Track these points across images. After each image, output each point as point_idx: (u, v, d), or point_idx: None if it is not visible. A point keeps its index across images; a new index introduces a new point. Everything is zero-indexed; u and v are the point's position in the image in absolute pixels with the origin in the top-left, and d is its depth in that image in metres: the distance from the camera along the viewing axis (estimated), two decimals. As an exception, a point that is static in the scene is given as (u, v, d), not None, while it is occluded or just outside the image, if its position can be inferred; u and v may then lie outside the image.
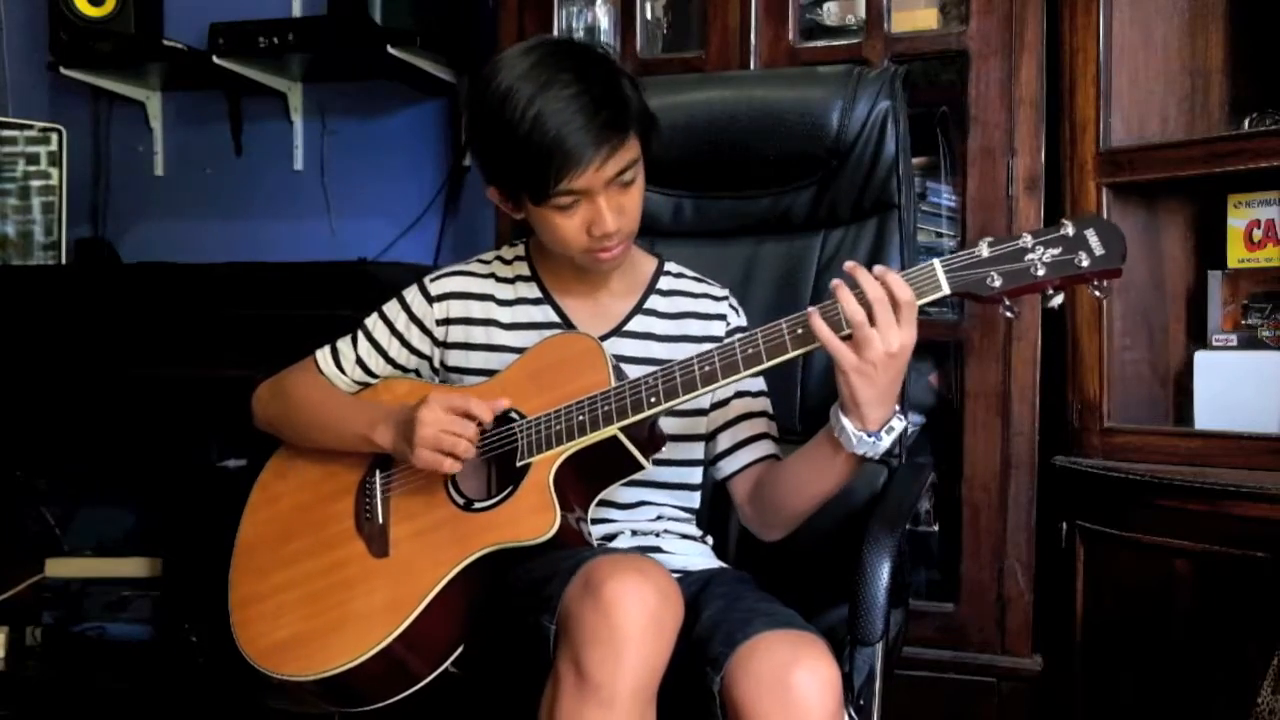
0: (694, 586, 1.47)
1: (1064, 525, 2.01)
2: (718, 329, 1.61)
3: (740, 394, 1.58)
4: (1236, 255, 2.00)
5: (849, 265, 1.33)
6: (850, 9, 2.29)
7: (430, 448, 1.41)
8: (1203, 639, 1.78)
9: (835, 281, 1.33)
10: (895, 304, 1.30)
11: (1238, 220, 2.00)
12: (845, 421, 1.36)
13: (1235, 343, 1.98)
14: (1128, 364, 2.06)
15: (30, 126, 3.02)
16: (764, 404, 1.60)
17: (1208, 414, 1.96)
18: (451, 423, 1.41)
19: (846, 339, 1.32)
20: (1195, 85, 2.11)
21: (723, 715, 1.27)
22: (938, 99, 2.27)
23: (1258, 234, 1.98)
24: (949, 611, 2.16)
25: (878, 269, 1.32)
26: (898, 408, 1.38)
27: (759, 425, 1.58)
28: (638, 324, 1.59)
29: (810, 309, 1.34)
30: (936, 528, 2.27)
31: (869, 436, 1.36)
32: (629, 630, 1.19)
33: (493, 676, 1.41)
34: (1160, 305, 2.10)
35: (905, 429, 1.40)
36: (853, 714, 1.35)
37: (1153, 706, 1.87)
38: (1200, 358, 1.98)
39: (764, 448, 1.57)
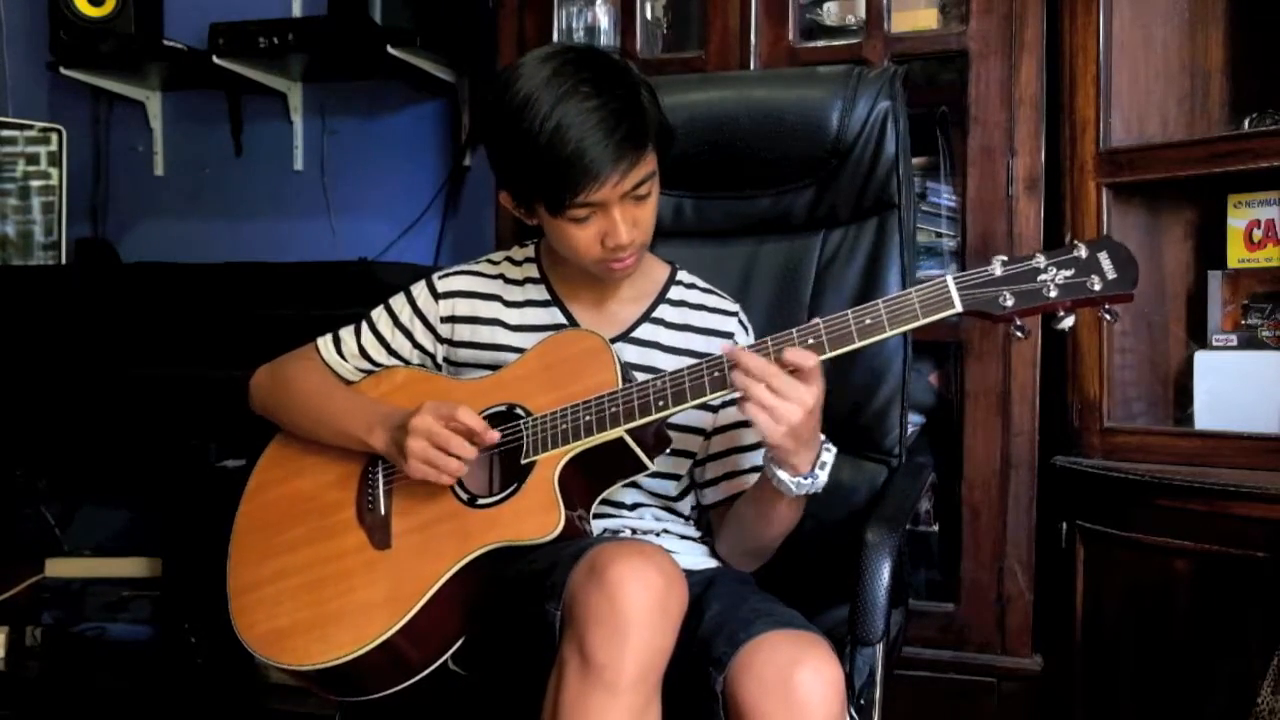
0: (696, 588, 1.46)
1: (1064, 525, 2.01)
2: (719, 347, 1.58)
3: (737, 424, 1.56)
4: (1236, 255, 2.00)
5: (725, 348, 1.35)
6: (850, 9, 2.29)
7: (420, 460, 1.41)
8: (1203, 639, 1.78)
9: (732, 363, 1.33)
10: (799, 372, 1.31)
11: (1238, 220, 2.00)
12: (780, 474, 1.38)
13: (1235, 343, 1.98)
14: (1128, 364, 2.06)
15: (30, 126, 3.02)
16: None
17: (1208, 414, 1.96)
18: (440, 436, 1.40)
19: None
20: (1195, 85, 2.11)
21: (725, 715, 1.27)
22: (938, 99, 2.27)
23: (1258, 234, 1.98)
24: (949, 611, 2.16)
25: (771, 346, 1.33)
26: (822, 438, 1.40)
27: (746, 460, 1.56)
28: (644, 332, 1.58)
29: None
30: (936, 528, 2.27)
31: (805, 479, 1.38)
32: (633, 612, 1.19)
33: (496, 671, 1.41)
34: (1160, 305, 2.10)
35: (833, 455, 1.41)
36: (854, 714, 1.35)
37: (1153, 706, 1.87)
38: (1200, 358, 1.98)
39: (748, 482, 1.55)
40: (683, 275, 1.65)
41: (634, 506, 1.56)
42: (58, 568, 2.76)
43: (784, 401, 1.30)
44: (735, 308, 1.64)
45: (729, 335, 1.60)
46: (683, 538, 1.59)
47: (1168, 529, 1.81)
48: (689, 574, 1.50)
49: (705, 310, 1.62)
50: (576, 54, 1.44)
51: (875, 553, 1.36)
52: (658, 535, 1.55)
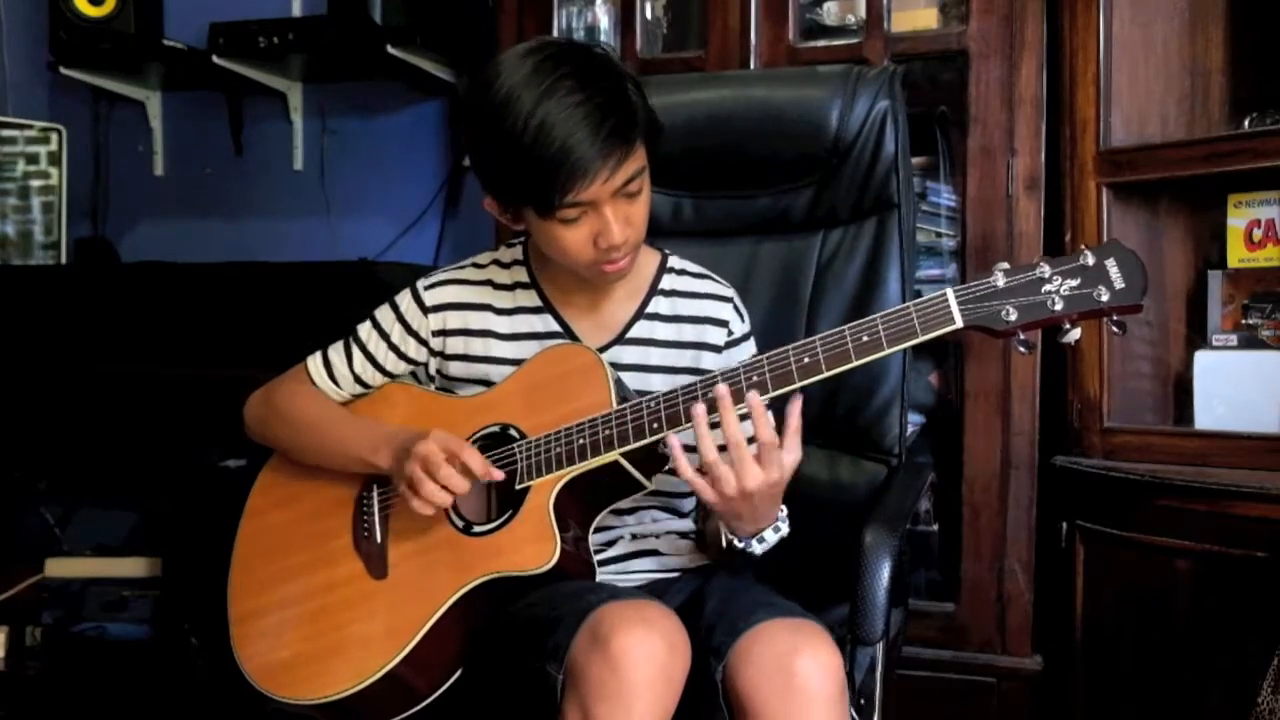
0: (695, 580, 1.47)
1: (1064, 525, 2.01)
2: (715, 336, 1.56)
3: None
4: (1236, 255, 2.00)
5: (720, 391, 1.31)
6: (850, 9, 2.29)
7: (413, 489, 1.38)
8: (1203, 639, 1.78)
9: (697, 408, 1.32)
10: (759, 442, 1.30)
11: (1238, 220, 1.99)
12: (719, 522, 1.40)
13: (1235, 343, 1.98)
14: (1128, 364, 2.06)
15: (30, 126, 3.03)
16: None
17: (1208, 414, 1.96)
18: (441, 471, 1.37)
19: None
20: (1195, 85, 2.11)
21: (726, 704, 1.27)
22: (938, 99, 2.27)
23: (1258, 234, 1.98)
24: (949, 611, 2.16)
25: (754, 400, 1.30)
26: (783, 512, 1.40)
27: None
28: (639, 330, 1.56)
29: (671, 435, 1.33)
30: (936, 528, 2.27)
31: (739, 541, 1.40)
32: (638, 684, 1.19)
33: (494, 711, 1.40)
34: (1160, 305, 2.10)
35: (783, 536, 1.41)
36: (854, 714, 1.35)
37: (1153, 706, 1.87)
38: (1200, 358, 1.98)
39: None
40: (673, 261, 1.61)
41: (633, 510, 1.55)
42: (58, 568, 2.75)
43: (729, 470, 1.31)
44: (729, 293, 1.61)
45: (723, 324, 1.57)
46: (682, 536, 1.58)
47: (1168, 529, 1.81)
48: (688, 571, 1.51)
49: (698, 297, 1.58)
50: (556, 48, 1.40)
51: (875, 553, 1.36)
52: (657, 538, 1.55)
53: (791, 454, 1.32)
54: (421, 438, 1.39)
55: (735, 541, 1.40)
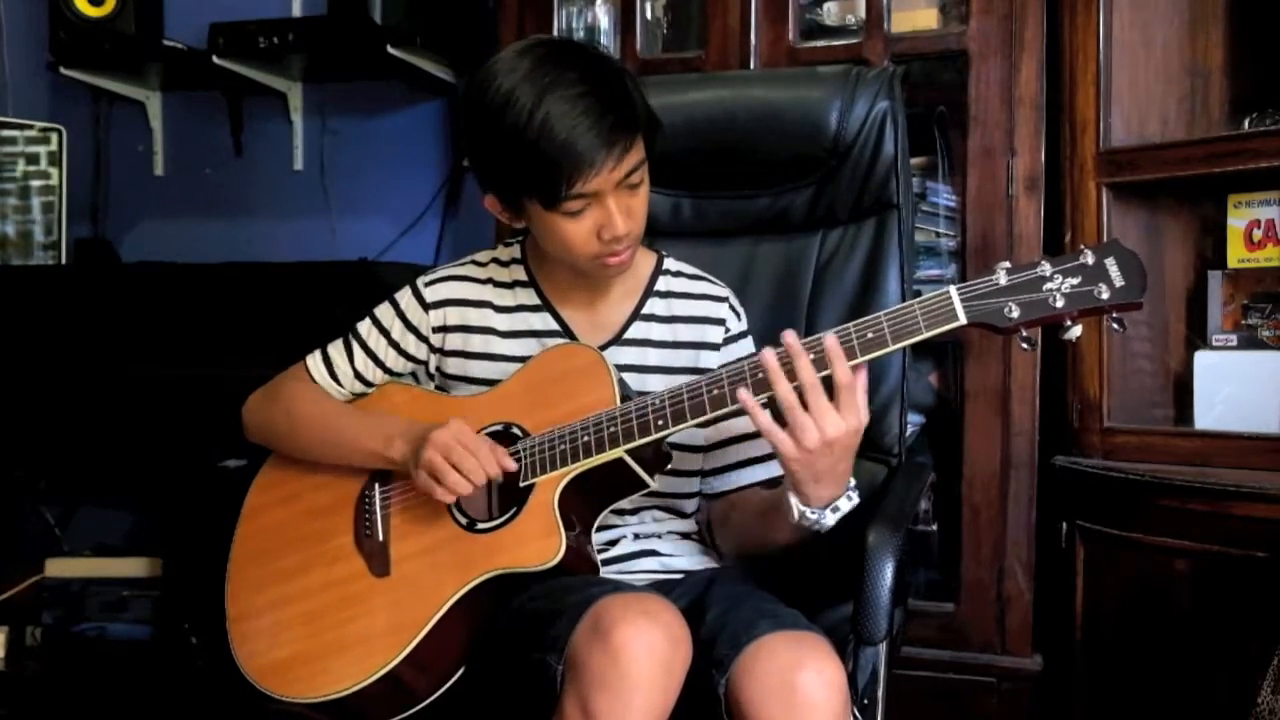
0: (697, 587, 1.46)
1: (1064, 525, 2.01)
2: (714, 334, 1.57)
3: (738, 438, 1.54)
4: (1236, 255, 2.00)
5: (787, 336, 1.30)
6: (850, 9, 2.29)
7: (430, 473, 1.39)
8: (1203, 639, 1.78)
9: (766, 352, 1.30)
10: (836, 384, 1.28)
11: (1238, 220, 2.00)
12: (789, 495, 1.35)
13: (1235, 343, 1.98)
14: (1128, 364, 2.06)
15: (30, 126, 3.02)
16: None
17: (1208, 414, 1.96)
18: (457, 452, 1.38)
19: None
20: (1195, 85, 2.12)
21: (728, 717, 1.27)
22: (938, 99, 2.27)
23: (1258, 234, 1.98)
24: (949, 611, 2.16)
25: (826, 341, 1.29)
26: (852, 482, 1.37)
27: (754, 448, 1.54)
28: (635, 331, 1.56)
29: (741, 390, 1.31)
30: (936, 528, 2.27)
31: (811, 513, 1.35)
32: (638, 676, 1.19)
33: (493, 703, 1.40)
34: (1160, 305, 2.10)
35: (855, 507, 1.37)
36: (857, 714, 1.35)
37: (1153, 706, 1.87)
38: (1200, 358, 1.99)
39: (755, 473, 1.54)
40: (669, 263, 1.62)
41: (635, 510, 1.55)
42: (58, 568, 2.75)
43: (810, 417, 1.28)
44: (725, 292, 1.62)
45: (720, 322, 1.58)
46: (684, 537, 1.58)
47: (1168, 529, 1.81)
48: (690, 575, 1.51)
49: (694, 298, 1.59)
50: (554, 45, 1.43)
51: (878, 553, 1.35)
52: (659, 538, 1.55)
53: (863, 410, 1.30)
54: (438, 426, 1.40)
55: (807, 514, 1.35)
